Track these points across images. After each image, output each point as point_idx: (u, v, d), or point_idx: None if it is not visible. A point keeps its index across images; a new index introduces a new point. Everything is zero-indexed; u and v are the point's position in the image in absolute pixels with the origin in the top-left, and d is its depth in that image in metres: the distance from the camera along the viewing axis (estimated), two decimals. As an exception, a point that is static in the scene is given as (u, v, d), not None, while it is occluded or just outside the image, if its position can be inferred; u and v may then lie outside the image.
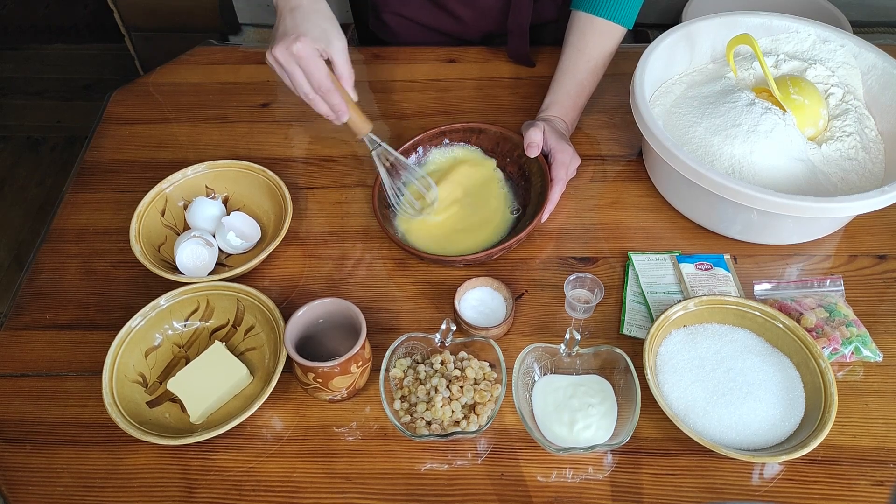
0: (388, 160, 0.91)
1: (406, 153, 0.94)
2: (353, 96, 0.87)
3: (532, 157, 0.89)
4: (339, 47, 0.83)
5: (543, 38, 1.14)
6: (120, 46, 2.31)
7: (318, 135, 1.04)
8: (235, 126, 1.06)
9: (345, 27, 1.37)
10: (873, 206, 0.79)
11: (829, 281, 0.83)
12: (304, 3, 0.84)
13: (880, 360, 0.77)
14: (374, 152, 0.89)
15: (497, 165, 0.96)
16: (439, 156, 0.97)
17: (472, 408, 0.73)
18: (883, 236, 0.91)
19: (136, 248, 0.84)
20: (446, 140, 0.97)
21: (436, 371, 0.75)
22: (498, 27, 1.14)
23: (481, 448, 0.73)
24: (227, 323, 0.82)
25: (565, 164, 0.91)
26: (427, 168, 0.96)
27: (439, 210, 0.90)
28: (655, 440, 0.73)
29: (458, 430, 0.71)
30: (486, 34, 1.17)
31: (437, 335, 0.76)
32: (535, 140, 0.88)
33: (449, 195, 0.92)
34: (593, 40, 0.98)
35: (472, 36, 1.17)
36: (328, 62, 0.84)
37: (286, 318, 0.74)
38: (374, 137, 0.89)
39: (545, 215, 0.87)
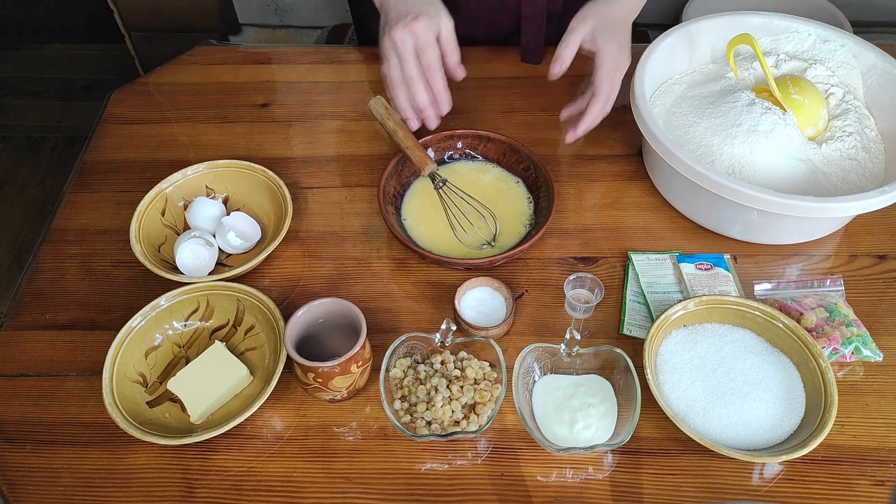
0: (452, 195, 0.90)
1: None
2: (461, 74, 0.86)
3: (555, 72, 0.84)
4: (449, 27, 0.84)
5: (548, 35, 1.13)
6: (120, 46, 2.31)
7: (318, 135, 1.04)
8: (235, 126, 1.06)
9: (345, 27, 1.38)
10: (873, 206, 0.79)
11: (829, 281, 0.83)
12: None
13: (880, 360, 0.77)
14: (438, 188, 0.89)
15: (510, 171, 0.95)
16: (481, 170, 0.96)
17: (472, 408, 0.73)
18: (883, 236, 0.91)
19: (136, 248, 0.84)
20: (459, 143, 0.96)
21: (436, 371, 0.75)
22: (506, 23, 1.12)
23: (481, 448, 0.73)
24: (228, 323, 0.82)
25: (611, 70, 0.82)
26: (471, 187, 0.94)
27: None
28: (655, 440, 0.73)
29: (458, 430, 0.71)
30: (492, 33, 1.16)
31: (437, 335, 0.76)
32: (562, 54, 0.82)
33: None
34: None
35: (478, 33, 1.16)
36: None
37: (286, 318, 0.74)
38: (437, 174, 0.90)
39: (580, 131, 0.83)
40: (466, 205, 0.89)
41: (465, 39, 1.16)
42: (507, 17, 1.12)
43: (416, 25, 0.81)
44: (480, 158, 0.97)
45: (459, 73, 0.86)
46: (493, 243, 0.88)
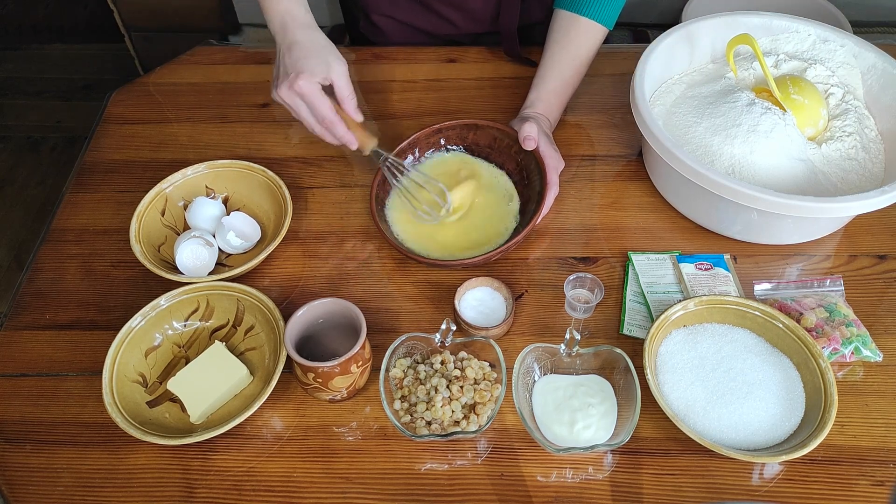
0: (397, 170, 0.91)
1: (402, 153, 0.94)
2: (358, 118, 0.88)
3: (529, 149, 0.89)
4: (339, 71, 0.86)
5: (533, 39, 1.14)
6: (120, 46, 2.31)
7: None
8: (235, 126, 1.06)
9: (341, 31, 1.38)
10: (873, 206, 0.79)
11: (829, 281, 0.83)
12: (300, 37, 0.87)
13: (880, 360, 0.77)
14: (382, 165, 0.90)
15: (495, 163, 0.95)
16: (448, 158, 0.97)
17: (472, 408, 0.73)
18: (883, 236, 0.91)
19: (136, 248, 0.84)
20: (442, 140, 0.96)
21: (436, 371, 0.75)
22: (487, 29, 1.14)
23: (481, 448, 0.73)
24: (227, 323, 0.82)
25: (556, 169, 0.92)
26: (435, 171, 0.95)
27: (446, 226, 0.90)
28: (655, 440, 0.73)
29: (458, 430, 0.71)
30: (475, 36, 1.17)
31: (437, 335, 0.76)
32: (531, 134, 0.88)
33: (456, 209, 0.91)
34: (577, 39, 0.98)
35: (462, 38, 1.18)
36: (331, 87, 0.86)
37: (286, 318, 0.74)
38: (380, 151, 0.90)
39: (539, 219, 0.87)
40: (416, 181, 0.91)
41: (453, 43, 1.18)
42: (485, 28, 1.14)
43: (299, 85, 0.84)
44: (459, 149, 0.97)
45: (358, 117, 0.88)
46: (448, 209, 0.89)
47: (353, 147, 0.89)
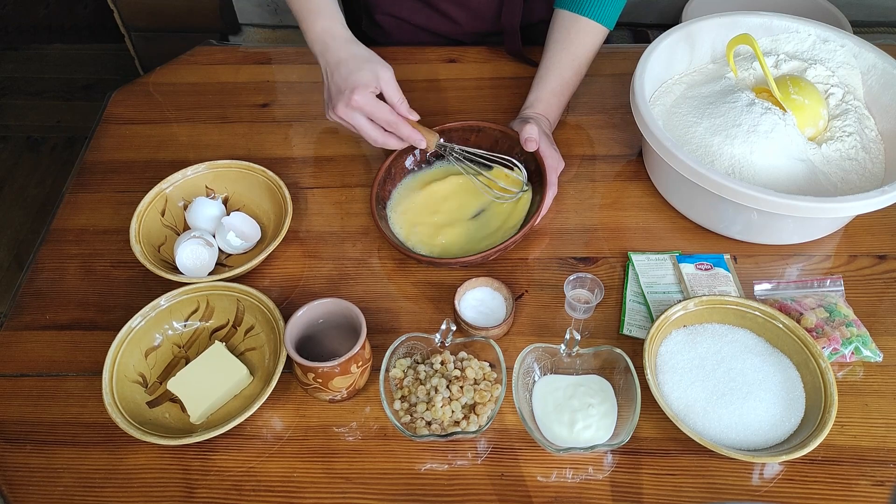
0: (465, 157, 0.92)
1: (403, 153, 0.94)
2: (414, 117, 0.90)
3: (530, 151, 0.89)
4: (387, 78, 0.88)
5: (537, 38, 1.14)
6: (120, 46, 2.31)
7: (318, 135, 1.04)
8: (235, 126, 1.06)
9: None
10: (873, 206, 0.79)
11: (829, 281, 0.83)
12: (343, 55, 0.89)
13: (880, 360, 0.77)
14: (449, 157, 0.92)
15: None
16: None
17: (472, 408, 0.73)
18: (883, 236, 0.91)
19: (136, 248, 0.84)
20: (443, 139, 0.96)
21: (436, 371, 0.75)
22: (491, 27, 1.14)
23: (481, 448, 0.73)
24: (227, 323, 0.82)
25: (556, 169, 0.92)
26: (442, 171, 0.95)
27: (447, 232, 0.89)
28: (655, 440, 0.73)
29: (458, 430, 0.71)
30: (479, 35, 1.17)
31: (437, 335, 0.76)
32: (532, 135, 0.88)
33: (456, 215, 0.91)
34: (578, 39, 0.98)
35: (465, 37, 1.18)
36: (381, 95, 0.87)
37: (286, 318, 0.74)
38: (444, 142, 0.92)
39: (538, 219, 0.87)
40: (482, 163, 0.92)
41: (456, 41, 1.18)
42: (488, 27, 1.14)
43: (355, 100, 0.85)
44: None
45: (413, 117, 0.90)
46: (525, 187, 0.90)
47: (423, 145, 0.89)
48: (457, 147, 0.92)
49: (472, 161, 0.93)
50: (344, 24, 0.93)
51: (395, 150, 0.93)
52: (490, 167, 0.93)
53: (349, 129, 0.90)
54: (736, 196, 0.80)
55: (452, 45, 1.17)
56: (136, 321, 0.78)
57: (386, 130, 0.89)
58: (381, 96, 0.88)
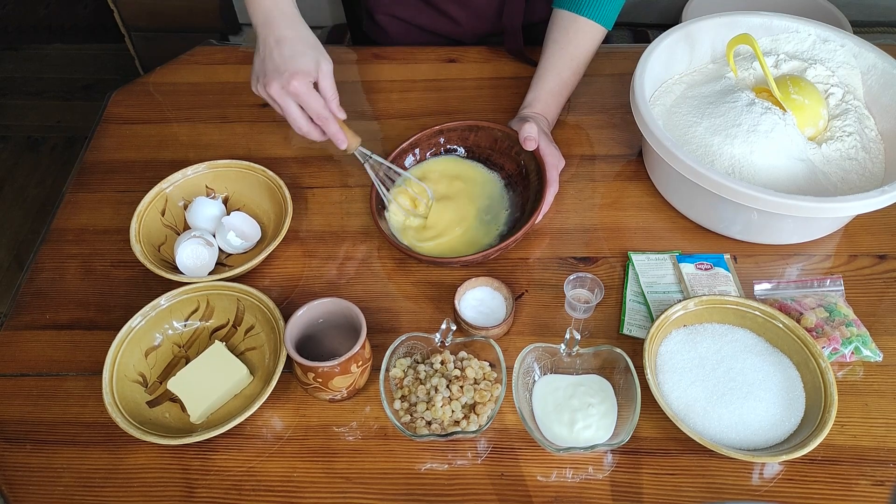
0: (380, 171, 0.91)
1: (403, 153, 0.94)
2: (342, 115, 0.88)
3: (530, 150, 0.89)
4: (325, 71, 0.86)
5: (537, 38, 1.14)
6: (120, 46, 2.31)
7: (318, 135, 1.04)
8: (235, 126, 1.06)
9: (345, 27, 1.38)
10: (873, 206, 0.79)
11: (829, 281, 0.83)
12: (288, 33, 0.87)
13: (880, 360, 0.77)
14: (366, 164, 0.90)
15: (495, 164, 0.95)
16: (442, 164, 0.96)
17: (472, 408, 0.73)
18: (883, 236, 0.91)
19: (136, 248, 0.84)
20: (443, 140, 0.96)
21: (436, 371, 0.75)
22: (492, 28, 1.14)
23: (481, 448, 0.73)
24: (227, 323, 0.82)
25: (556, 167, 0.92)
26: (430, 176, 0.95)
27: (441, 234, 0.89)
28: (655, 440, 0.73)
29: (458, 429, 0.71)
30: (480, 35, 1.17)
31: (437, 335, 0.76)
32: (532, 134, 0.88)
33: (451, 221, 0.91)
34: (576, 39, 0.98)
35: (466, 37, 1.18)
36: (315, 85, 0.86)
37: (286, 318, 0.74)
38: (364, 150, 0.90)
39: (539, 217, 0.87)
40: (403, 178, 0.92)
41: (457, 42, 1.18)
42: (490, 27, 1.14)
43: (293, 86, 0.84)
44: (461, 152, 0.97)
45: (341, 115, 0.89)
46: (431, 202, 0.90)
47: (343, 146, 0.89)
48: (374, 156, 0.90)
49: (387, 174, 0.92)
50: (294, 2, 0.91)
51: (395, 150, 0.93)
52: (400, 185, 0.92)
53: (275, 108, 0.88)
54: (736, 196, 0.80)
55: (453, 45, 1.17)
56: (136, 321, 0.78)
57: (312, 122, 0.88)
58: (316, 86, 0.87)
